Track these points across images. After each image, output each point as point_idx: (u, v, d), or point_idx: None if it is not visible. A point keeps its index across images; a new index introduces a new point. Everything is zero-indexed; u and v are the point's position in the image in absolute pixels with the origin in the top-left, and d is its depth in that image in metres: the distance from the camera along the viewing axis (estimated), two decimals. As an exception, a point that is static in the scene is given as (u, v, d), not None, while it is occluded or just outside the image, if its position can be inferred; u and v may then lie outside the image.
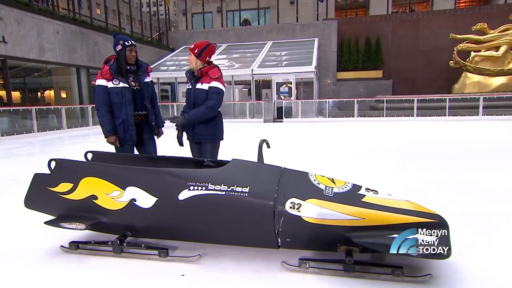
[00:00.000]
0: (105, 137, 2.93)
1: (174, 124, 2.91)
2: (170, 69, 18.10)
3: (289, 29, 20.90)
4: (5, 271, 2.15)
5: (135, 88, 2.98)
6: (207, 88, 2.89)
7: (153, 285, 1.96)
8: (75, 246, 2.33)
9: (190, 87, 2.96)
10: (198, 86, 2.92)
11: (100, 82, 2.88)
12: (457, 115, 13.79)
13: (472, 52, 17.10)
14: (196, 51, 2.89)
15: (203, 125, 2.95)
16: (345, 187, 2.15)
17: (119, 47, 2.91)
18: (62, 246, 2.37)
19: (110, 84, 2.88)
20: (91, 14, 16.55)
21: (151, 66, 18.16)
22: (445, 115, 13.92)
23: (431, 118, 13.88)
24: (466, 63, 16.92)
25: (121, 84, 2.89)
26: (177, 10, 33.10)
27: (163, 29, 23.01)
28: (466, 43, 17.07)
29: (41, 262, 2.25)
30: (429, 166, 5.03)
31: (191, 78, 2.96)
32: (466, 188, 3.88)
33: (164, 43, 22.08)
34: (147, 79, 3.09)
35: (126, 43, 2.92)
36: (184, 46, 21.32)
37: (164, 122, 3.28)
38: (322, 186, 2.12)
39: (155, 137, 3.24)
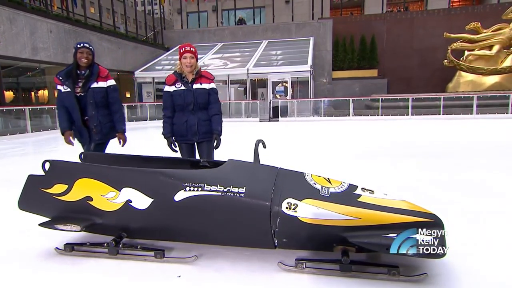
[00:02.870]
0: (61, 134, 3.05)
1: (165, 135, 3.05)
2: (166, 69, 18.01)
3: (284, 28, 20.90)
4: (-1, 273, 2.13)
5: (79, 94, 2.95)
6: (208, 88, 2.97)
7: (149, 286, 1.95)
8: (70, 247, 2.31)
9: (182, 88, 2.93)
10: (197, 86, 2.94)
11: (57, 86, 2.98)
12: (451, 114, 13.90)
13: (466, 51, 17.23)
14: (196, 54, 2.98)
15: (203, 124, 3.02)
16: (341, 187, 2.16)
17: (73, 51, 2.96)
18: (57, 248, 2.35)
19: (62, 89, 2.95)
20: (85, 13, 16.40)
21: (147, 66, 18.13)
22: (439, 114, 14.03)
23: (426, 117, 13.98)
24: (460, 62, 17.05)
25: (68, 90, 2.93)
26: (172, 9, 32.93)
27: (158, 28, 22.90)
28: (460, 42, 17.20)
29: (36, 264, 2.23)
30: (424, 165, 5.06)
31: (181, 79, 2.95)
32: (461, 186, 3.91)
33: (159, 42, 21.96)
34: (97, 84, 3.00)
35: (78, 45, 2.92)
36: (179, 45, 21.19)
37: (124, 129, 3.21)
38: (318, 186, 2.12)
39: (120, 144, 3.21)
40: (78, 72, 2.96)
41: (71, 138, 3.04)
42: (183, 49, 2.92)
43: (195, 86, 2.93)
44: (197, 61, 2.97)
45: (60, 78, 2.93)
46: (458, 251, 2.17)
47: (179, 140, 3.04)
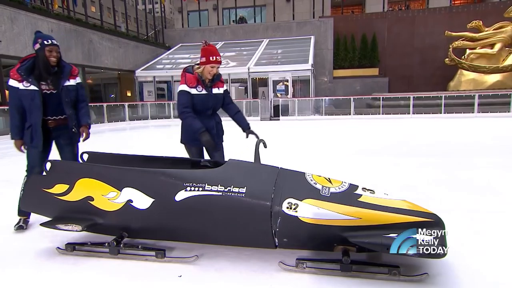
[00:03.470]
0: (12, 139, 2.76)
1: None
2: (166, 68, 18.00)
3: (285, 26, 20.86)
4: (1, 272, 2.14)
5: (48, 92, 2.72)
6: (223, 92, 2.91)
7: (150, 286, 1.96)
8: (72, 247, 2.32)
9: (203, 92, 2.76)
10: (216, 91, 2.84)
11: (12, 83, 2.65)
12: (452, 113, 13.87)
13: (467, 50, 17.17)
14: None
15: (219, 127, 2.97)
16: (342, 187, 2.16)
17: (37, 46, 2.66)
18: (58, 247, 2.36)
19: (21, 86, 2.64)
20: (86, 12, 16.40)
21: (147, 65, 18.14)
22: (440, 113, 14.00)
23: (427, 116, 13.95)
24: (461, 60, 16.99)
25: (31, 87, 2.64)
26: (172, 8, 32.90)
27: (159, 27, 22.89)
28: (462, 40, 17.14)
29: (37, 264, 2.24)
30: (425, 164, 5.05)
31: (202, 83, 2.78)
32: (462, 186, 3.90)
33: (160, 41, 21.95)
34: (69, 82, 2.82)
35: (45, 42, 2.66)
36: (180, 44, 21.22)
37: (90, 123, 2.98)
38: (319, 186, 2.12)
39: (81, 140, 2.97)
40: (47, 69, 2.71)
41: (22, 146, 2.77)
42: (214, 58, 2.71)
43: (214, 91, 2.83)
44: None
45: (22, 73, 2.63)
46: (460, 251, 2.17)
47: (191, 144, 2.87)
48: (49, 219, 2.36)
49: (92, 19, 17.35)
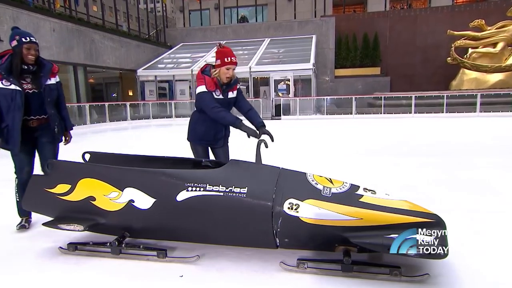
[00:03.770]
0: None
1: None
2: (168, 67, 18.01)
3: (286, 26, 20.82)
4: (3, 272, 2.15)
5: (31, 91, 2.62)
6: (235, 95, 2.83)
7: (152, 286, 1.97)
8: (74, 247, 2.33)
9: (221, 97, 2.70)
10: (231, 95, 2.79)
11: None
12: (454, 112, 13.83)
13: (469, 49, 17.09)
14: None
15: (227, 128, 2.92)
16: (343, 187, 2.16)
17: (14, 43, 2.54)
18: (60, 247, 2.37)
19: (0, 84, 2.51)
20: (87, 11, 16.42)
21: (149, 64, 18.15)
22: (442, 112, 13.95)
23: (429, 115, 13.91)
24: (463, 59, 16.92)
25: (12, 86, 2.52)
26: (174, 7, 32.90)
27: (160, 27, 22.89)
28: (464, 39, 17.06)
29: (40, 264, 2.25)
30: (427, 164, 5.04)
31: (220, 87, 2.71)
32: (463, 185, 3.90)
33: (162, 40, 21.96)
34: (51, 81, 2.73)
35: (23, 39, 2.53)
36: (182, 44, 21.23)
37: (73, 126, 2.99)
38: (320, 187, 2.13)
39: (63, 141, 2.95)
40: (25, 67, 2.60)
41: None
42: (229, 59, 2.62)
43: (229, 95, 2.77)
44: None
45: (2, 72, 2.51)
46: (460, 251, 2.17)
47: (198, 142, 2.85)
48: (51, 218, 2.37)
49: (93, 18, 17.37)
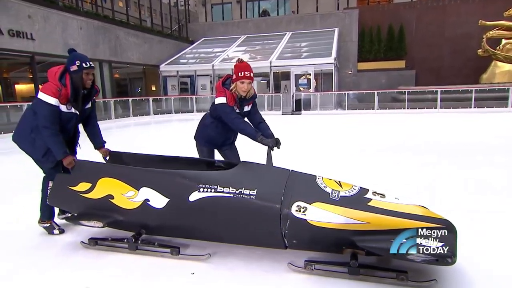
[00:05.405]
0: (61, 159, 2.50)
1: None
2: (190, 62, 18.27)
3: (308, 19, 20.51)
4: (30, 262, 2.33)
5: (78, 114, 2.71)
6: (249, 109, 2.85)
7: (164, 281, 2.07)
8: (94, 242, 2.48)
9: (237, 111, 2.72)
10: (246, 109, 2.80)
11: (51, 100, 2.47)
12: (483, 107, 13.22)
13: (503, 40, 16.21)
14: (253, 78, 2.71)
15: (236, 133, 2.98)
16: (352, 190, 2.17)
17: (74, 67, 2.52)
18: (82, 241, 2.53)
19: (63, 108, 2.55)
20: (112, 7, 16.89)
21: (171, 59, 18.47)
22: (470, 107, 13.38)
23: (456, 110, 13.37)
24: (496, 51, 16.08)
25: (73, 110, 2.62)
26: (197, 0, 33.15)
27: (183, 21, 23.15)
28: (497, 30, 16.18)
29: (62, 256, 2.42)
30: (450, 163, 4.90)
31: (238, 103, 2.72)
32: (463, 185, 3.81)
33: (184, 35, 22.24)
34: (88, 105, 2.79)
35: (84, 65, 2.53)
36: (204, 38, 21.41)
37: (105, 143, 2.95)
38: (328, 190, 2.15)
39: (104, 159, 2.93)
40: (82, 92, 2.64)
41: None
42: (243, 73, 2.60)
43: (245, 109, 2.80)
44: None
45: (72, 100, 2.58)
46: (460, 251, 2.13)
47: (204, 144, 2.92)
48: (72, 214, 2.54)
49: (119, 14, 17.83)
